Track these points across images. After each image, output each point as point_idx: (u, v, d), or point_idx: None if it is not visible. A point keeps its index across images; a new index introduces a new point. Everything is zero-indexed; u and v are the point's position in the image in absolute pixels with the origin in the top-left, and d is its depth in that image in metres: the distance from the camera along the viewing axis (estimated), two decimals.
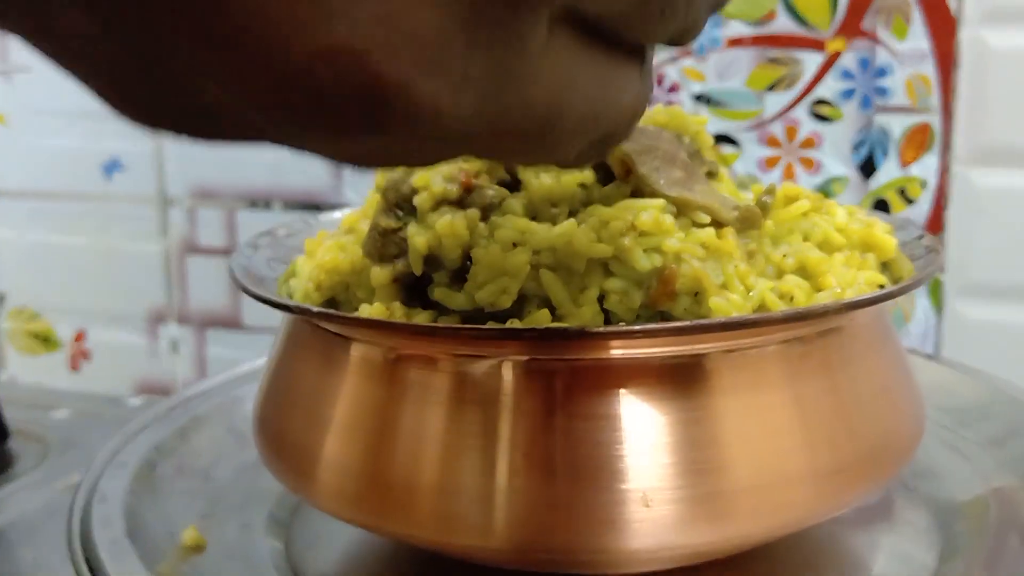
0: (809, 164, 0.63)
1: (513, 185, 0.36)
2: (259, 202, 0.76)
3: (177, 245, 0.79)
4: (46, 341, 0.84)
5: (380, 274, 0.35)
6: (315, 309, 0.33)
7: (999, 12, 0.58)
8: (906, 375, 0.37)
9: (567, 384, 0.31)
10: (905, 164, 0.61)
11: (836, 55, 0.62)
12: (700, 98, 0.64)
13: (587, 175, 0.36)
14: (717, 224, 0.35)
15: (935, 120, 0.60)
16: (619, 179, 0.36)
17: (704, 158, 0.39)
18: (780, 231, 0.36)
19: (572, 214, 0.35)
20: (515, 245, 0.33)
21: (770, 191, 0.37)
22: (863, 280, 0.35)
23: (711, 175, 0.39)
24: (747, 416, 0.31)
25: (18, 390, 0.81)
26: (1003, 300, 0.61)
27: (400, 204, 0.35)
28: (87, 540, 0.37)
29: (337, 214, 0.45)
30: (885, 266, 0.38)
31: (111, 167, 0.79)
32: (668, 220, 0.33)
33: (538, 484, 0.31)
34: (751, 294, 0.33)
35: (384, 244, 0.35)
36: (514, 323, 0.32)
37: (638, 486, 0.31)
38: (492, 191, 0.35)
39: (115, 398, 0.77)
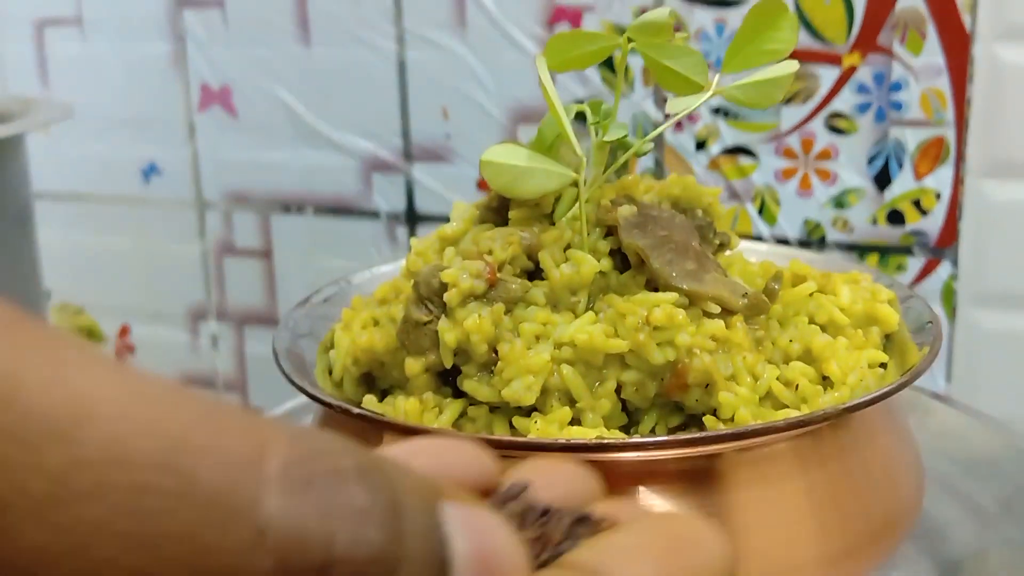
0: (825, 175, 0.64)
1: (535, 273, 0.38)
2: (292, 206, 0.78)
3: (214, 247, 0.82)
4: (91, 335, 0.88)
5: (413, 365, 0.37)
6: (355, 410, 0.36)
7: (1012, 29, 0.59)
8: (908, 443, 0.39)
9: None
10: (920, 176, 0.63)
11: (852, 69, 0.63)
12: (718, 111, 0.66)
13: (605, 264, 0.38)
14: (727, 311, 0.37)
15: (949, 133, 0.62)
16: (634, 268, 0.38)
17: (716, 230, 0.41)
18: (787, 312, 0.39)
19: (591, 299, 0.37)
20: (538, 338, 0.36)
21: (777, 277, 0.39)
22: (866, 363, 0.37)
23: (722, 247, 0.41)
24: (760, 508, 0.34)
25: None
26: (1015, 309, 0.63)
27: (430, 298, 0.37)
28: None
29: (368, 274, 0.47)
30: (888, 338, 0.40)
31: (149, 172, 0.81)
32: (680, 315, 0.36)
33: None
34: (758, 383, 0.36)
35: (416, 336, 0.38)
36: (537, 417, 0.35)
37: None
38: (515, 284, 0.37)
39: None
